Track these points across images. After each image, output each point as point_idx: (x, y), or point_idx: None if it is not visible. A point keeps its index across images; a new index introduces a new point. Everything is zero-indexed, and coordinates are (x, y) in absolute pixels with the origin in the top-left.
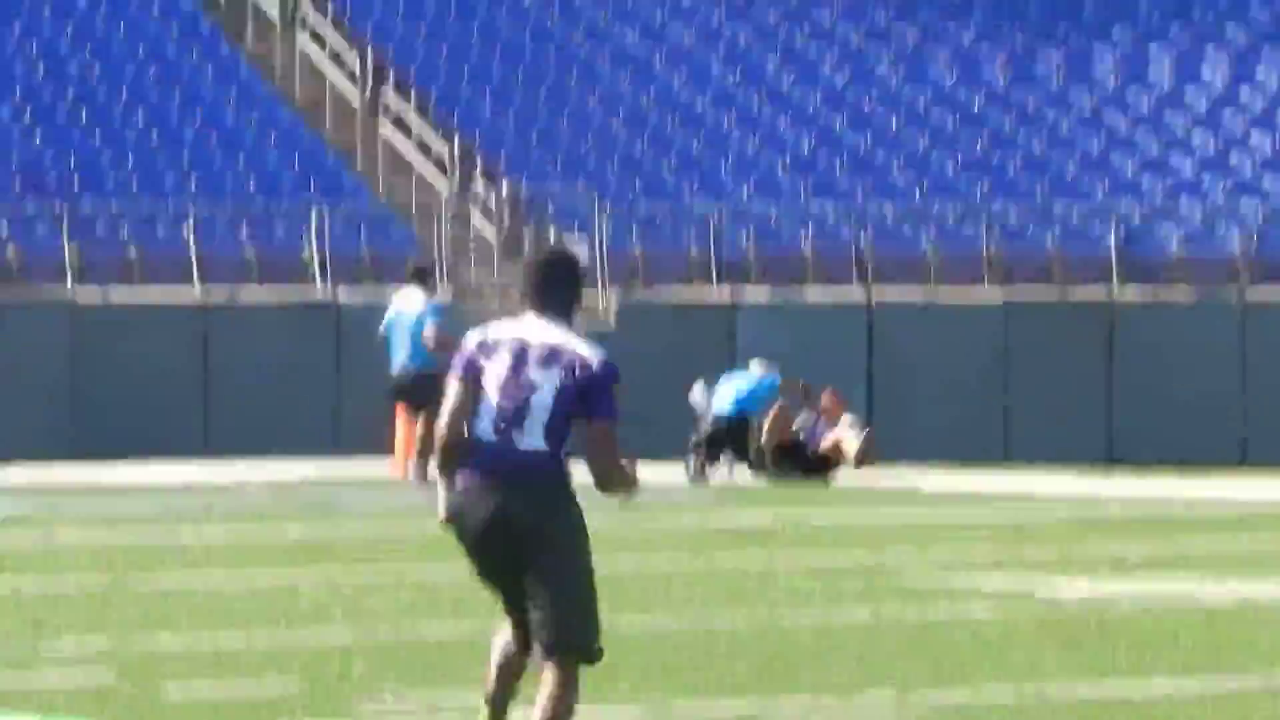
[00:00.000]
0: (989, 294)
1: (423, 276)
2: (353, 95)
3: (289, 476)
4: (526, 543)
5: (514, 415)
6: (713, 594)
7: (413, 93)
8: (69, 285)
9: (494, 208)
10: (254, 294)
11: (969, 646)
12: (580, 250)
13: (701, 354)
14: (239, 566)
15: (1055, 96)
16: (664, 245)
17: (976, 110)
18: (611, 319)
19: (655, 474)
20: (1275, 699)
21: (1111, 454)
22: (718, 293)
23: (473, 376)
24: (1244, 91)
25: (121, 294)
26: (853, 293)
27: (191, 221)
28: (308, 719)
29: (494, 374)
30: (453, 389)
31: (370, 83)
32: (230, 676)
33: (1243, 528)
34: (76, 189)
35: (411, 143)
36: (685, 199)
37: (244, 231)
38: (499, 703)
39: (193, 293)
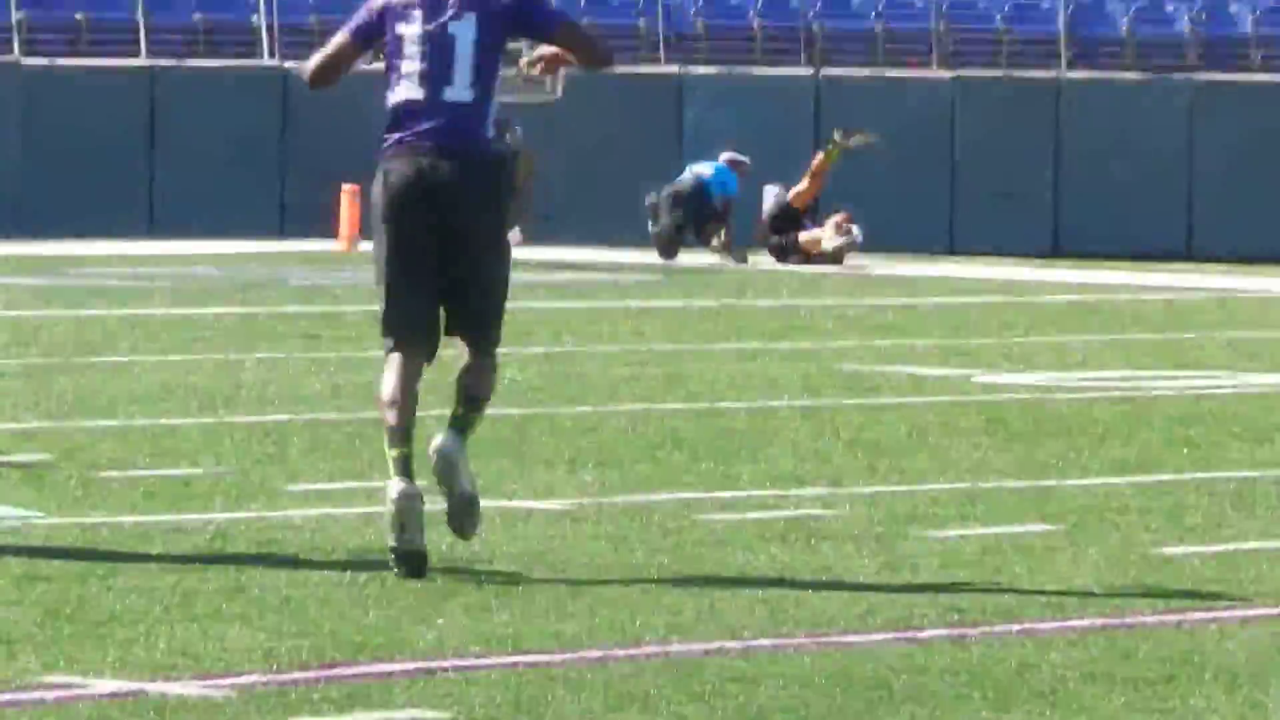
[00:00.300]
0: (936, 72)
1: None
2: None
3: (235, 254)
4: (458, 233)
5: (438, 69)
6: (653, 382)
7: None
8: (15, 53)
9: None
10: (202, 63)
11: (906, 438)
12: None
13: (648, 129)
14: (180, 350)
15: None
16: (612, 18)
17: None
18: (558, 90)
19: (612, 255)
20: (1211, 493)
21: (1057, 243)
22: (664, 67)
23: (366, 39)
24: None
25: (70, 62)
26: (799, 69)
27: None
28: (240, 500)
29: (410, 33)
30: (337, 40)
31: None
32: (167, 458)
33: (1186, 320)
34: None
35: None
36: None
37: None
38: (410, 430)
39: (139, 61)
